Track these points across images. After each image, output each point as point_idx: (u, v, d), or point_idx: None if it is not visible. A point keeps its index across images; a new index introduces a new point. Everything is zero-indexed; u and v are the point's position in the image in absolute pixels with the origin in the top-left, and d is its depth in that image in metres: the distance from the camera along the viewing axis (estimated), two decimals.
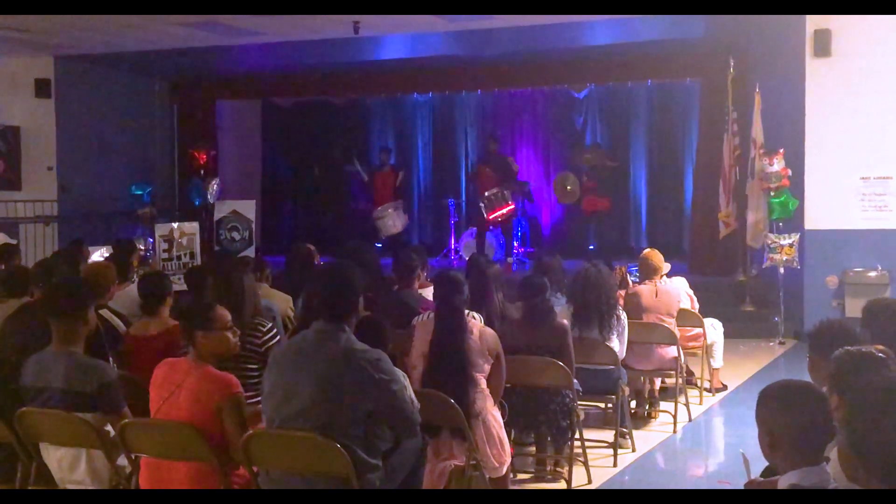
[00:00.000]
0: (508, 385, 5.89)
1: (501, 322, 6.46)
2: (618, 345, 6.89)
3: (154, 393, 4.63)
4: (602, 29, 12.65)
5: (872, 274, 10.78)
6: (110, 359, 5.42)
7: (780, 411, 2.98)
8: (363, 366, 4.30)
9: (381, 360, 4.36)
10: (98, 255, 9.85)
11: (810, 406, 2.96)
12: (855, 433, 2.26)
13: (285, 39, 13.25)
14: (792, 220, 11.14)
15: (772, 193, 11.01)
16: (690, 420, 8.02)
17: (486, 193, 14.28)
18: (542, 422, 6.21)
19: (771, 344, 11.09)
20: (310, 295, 5.31)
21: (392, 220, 15.40)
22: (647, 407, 8.18)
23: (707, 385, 8.83)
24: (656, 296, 8.05)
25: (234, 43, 13.46)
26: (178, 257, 13.50)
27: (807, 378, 3.24)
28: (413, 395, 4.54)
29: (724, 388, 9.01)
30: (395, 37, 13.28)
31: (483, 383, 5.43)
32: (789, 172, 10.93)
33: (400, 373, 4.51)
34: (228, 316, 4.82)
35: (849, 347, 3.60)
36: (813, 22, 11.21)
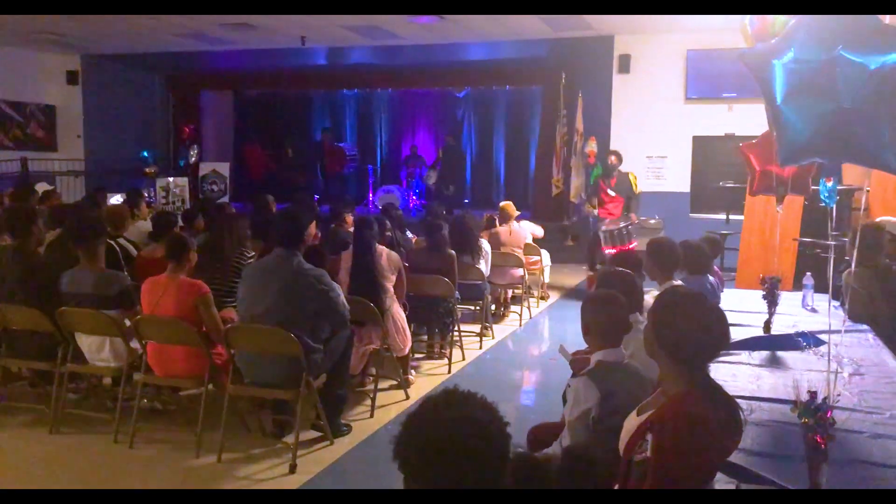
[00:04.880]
0: (411, 294, 5.91)
1: (408, 252, 6.44)
2: (484, 266, 6.97)
3: (145, 300, 4.55)
4: (476, 48, 12.57)
5: (652, 221, 11.02)
6: (125, 273, 5.24)
7: (592, 310, 3.02)
8: (310, 280, 4.27)
9: (323, 275, 4.35)
10: (115, 199, 9.46)
11: (613, 308, 3.02)
12: (656, 322, 2.33)
13: (252, 47, 12.86)
14: (593, 184, 11.20)
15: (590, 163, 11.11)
16: (531, 318, 8.17)
17: (605, 228, 8.96)
18: (433, 319, 6.27)
19: (583, 268, 11.29)
20: (272, 233, 5.18)
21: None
22: (502, 309, 8.32)
23: (541, 295, 9.03)
24: (510, 234, 8.15)
25: (215, 49, 13.00)
26: (173, 203, 13.26)
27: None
28: (344, 300, 4.52)
29: (549, 297, 9.21)
30: (331, 48, 12.96)
31: (391, 290, 5.44)
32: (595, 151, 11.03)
33: (336, 285, 4.49)
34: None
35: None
36: (618, 48, 11.41)
